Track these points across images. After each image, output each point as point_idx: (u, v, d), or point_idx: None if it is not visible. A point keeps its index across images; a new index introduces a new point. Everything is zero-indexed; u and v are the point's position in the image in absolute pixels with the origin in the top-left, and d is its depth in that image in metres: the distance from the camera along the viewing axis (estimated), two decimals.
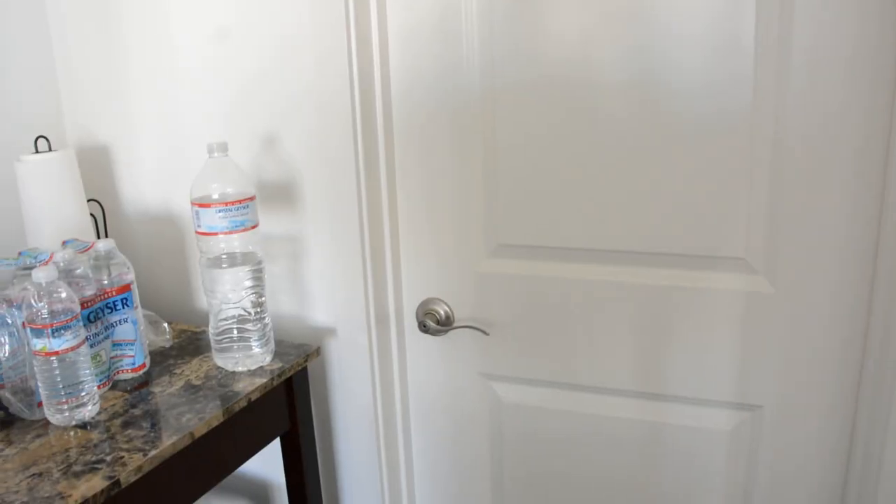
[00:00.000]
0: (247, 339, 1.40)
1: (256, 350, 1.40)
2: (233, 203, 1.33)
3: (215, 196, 1.33)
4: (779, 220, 1.26)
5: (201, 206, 1.33)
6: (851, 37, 1.14)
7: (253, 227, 1.37)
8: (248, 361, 1.40)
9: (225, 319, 1.39)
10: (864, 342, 1.27)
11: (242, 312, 1.38)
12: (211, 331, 1.41)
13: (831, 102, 1.18)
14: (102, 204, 1.71)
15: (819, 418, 1.33)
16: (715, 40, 1.21)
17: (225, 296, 1.37)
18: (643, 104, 1.29)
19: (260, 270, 1.40)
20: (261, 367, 1.41)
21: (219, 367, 1.42)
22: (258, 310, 1.39)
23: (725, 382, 1.38)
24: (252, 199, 1.36)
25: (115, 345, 1.36)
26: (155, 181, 1.70)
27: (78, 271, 1.29)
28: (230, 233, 1.34)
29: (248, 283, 1.37)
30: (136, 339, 1.37)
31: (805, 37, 1.16)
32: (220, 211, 1.32)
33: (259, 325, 1.40)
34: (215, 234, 1.34)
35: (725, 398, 1.39)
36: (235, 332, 1.39)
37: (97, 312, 1.31)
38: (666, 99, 1.27)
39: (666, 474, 1.48)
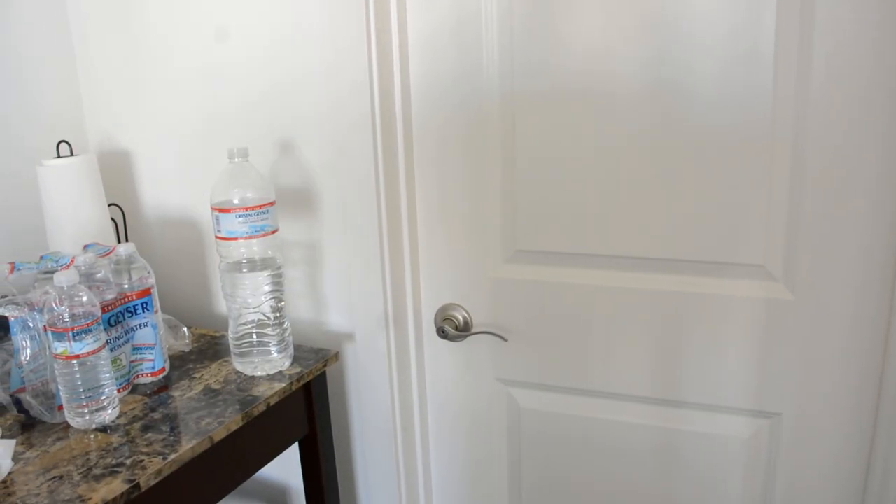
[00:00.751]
0: (266, 344, 1.40)
1: (275, 355, 1.41)
2: (253, 208, 1.33)
3: (235, 201, 1.34)
4: (798, 227, 1.25)
5: (221, 211, 1.34)
6: (872, 45, 1.13)
7: (273, 233, 1.37)
8: (267, 366, 1.41)
9: (244, 324, 1.39)
10: (885, 349, 1.25)
11: (262, 317, 1.38)
12: (230, 335, 1.42)
13: (852, 110, 1.17)
14: (123, 208, 1.72)
15: (838, 426, 1.32)
16: (735, 49, 1.21)
17: (244, 300, 1.37)
18: (662, 112, 1.28)
19: (279, 275, 1.40)
20: (280, 372, 1.41)
21: (238, 372, 1.42)
22: (277, 315, 1.40)
23: (743, 390, 1.37)
24: (272, 204, 1.36)
25: (136, 349, 1.37)
26: (175, 186, 1.71)
27: (99, 275, 1.30)
28: (250, 238, 1.34)
29: (268, 288, 1.38)
30: (156, 343, 1.38)
31: (825, 45, 1.16)
32: (240, 216, 1.33)
33: (278, 330, 1.40)
34: (235, 238, 1.34)
35: (743, 405, 1.38)
36: (255, 336, 1.40)
37: (118, 316, 1.32)
38: (685, 107, 1.26)
39: (683, 481, 1.47)
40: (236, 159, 1.35)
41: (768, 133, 1.23)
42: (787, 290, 1.29)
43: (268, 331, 1.39)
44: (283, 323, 1.42)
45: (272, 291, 1.39)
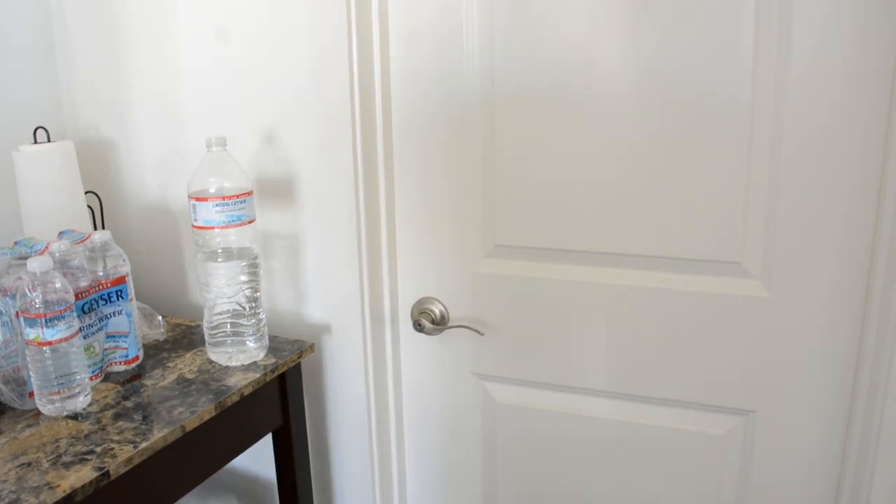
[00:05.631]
0: (241, 334, 1.39)
1: (250, 345, 1.40)
2: (230, 197, 1.33)
3: (212, 190, 1.33)
4: (775, 224, 1.26)
5: (198, 199, 1.33)
6: (851, 37, 1.14)
7: (250, 222, 1.36)
8: (241, 356, 1.40)
9: (219, 314, 1.38)
10: (859, 348, 1.26)
11: (237, 307, 1.38)
12: (205, 325, 1.41)
13: (830, 105, 1.17)
14: (100, 196, 1.71)
15: (812, 424, 1.33)
16: (714, 42, 1.21)
17: (220, 290, 1.37)
18: (642, 109, 1.28)
19: (256, 265, 1.39)
20: (254, 363, 1.41)
21: (212, 362, 1.42)
22: (253, 305, 1.39)
23: (719, 386, 1.37)
24: (249, 193, 1.36)
25: (109, 336, 1.35)
26: (153, 174, 1.70)
27: (73, 262, 1.29)
28: (227, 227, 1.34)
29: (244, 278, 1.37)
30: (129, 331, 1.37)
31: (804, 38, 1.16)
32: (217, 205, 1.32)
33: (253, 321, 1.40)
34: (212, 227, 1.34)
35: (718, 402, 1.38)
36: (229, 326, 1.39)
37: (91, 304, 1.31)
38: (664, 102, 1.27)
39: (657, 478, 1.47)
40: (214, 148, 1.35)
41: (747, 129, 1.23)
42: (764, 288, 1.30)
43: (243, 321, 1.39)
44: (259, 313, 1.41)
45: (248, 281, 1.38)
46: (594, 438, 1.50)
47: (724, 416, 1.39)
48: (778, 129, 1.21)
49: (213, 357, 1.42)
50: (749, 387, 1.35)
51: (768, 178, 1.24)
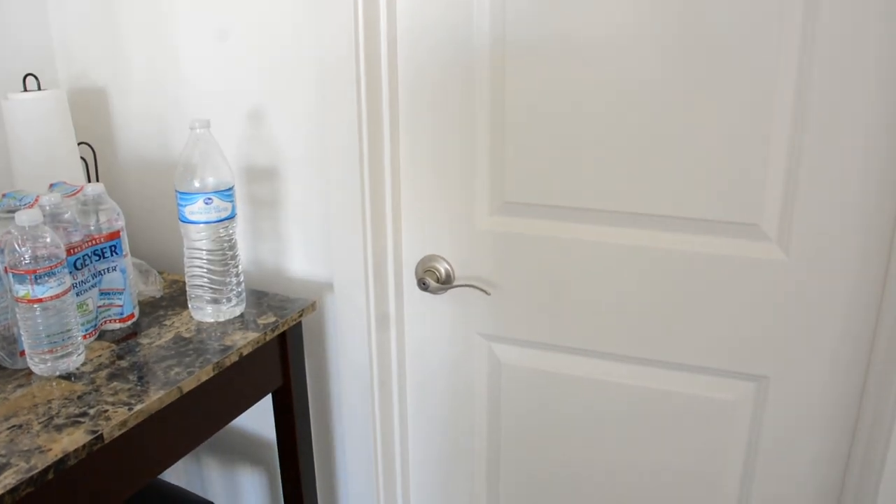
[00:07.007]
0: (219, 290, 1.37)
1: (225, 305, 1.38)
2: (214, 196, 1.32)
3: (197, 185, 1.32)
4: (795, 186, 1.21)
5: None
6: None
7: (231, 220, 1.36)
8: (218, 314, 1.37)
9: (197, 268, 1.35)
10: (877, 314, 1.22)
11: (212, 263, 1.35)
12: (186, 280, 1.38)
13: (858, 61, 1.12)
14: (94, 147, 1.65)
15: (826, 392, 1.29)
16: None
17: (196, 245, 1.34)
18: (660, 60, 1.22)
19: (232, 223, 1.37)
20: (255, 322, 1.37)
21: (210, 320, 1.37)
22: (228, 258, 1.36)
23: (731, 351, 1.34)
24: (231, 188, 1.35)
25: (103, 294, 1.31)
26: (149, 126, 1.64)
27: (65, 216, 1.24)
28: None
29: (221, 233, 1.34)
30: (124, 288, 1.33)
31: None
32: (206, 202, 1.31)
33: (231, 278, 1.37)
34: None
35: (731, 367, 1.35)
36: (207, 281, 1.36)
37: (84, 259, 1.26)
38: (683, 54, 1.21)
39: (665, 442, 1.45)
40: (198, 130, 1.31)
41: (769, 85, 1.18)
42: (781, 251, 1.25)
43: (218, 277, 1.36)
44: (236, 270, 1.38)
45: (224, 237, 1.35)
46: (601, 402, 1.47)
47: (735, 382, 1.36)
48: (803, 83, 1.16)
49: (193, 314, 1.40)
50: (763, 352, 1.32)
51: (790, 138, 1.19)
